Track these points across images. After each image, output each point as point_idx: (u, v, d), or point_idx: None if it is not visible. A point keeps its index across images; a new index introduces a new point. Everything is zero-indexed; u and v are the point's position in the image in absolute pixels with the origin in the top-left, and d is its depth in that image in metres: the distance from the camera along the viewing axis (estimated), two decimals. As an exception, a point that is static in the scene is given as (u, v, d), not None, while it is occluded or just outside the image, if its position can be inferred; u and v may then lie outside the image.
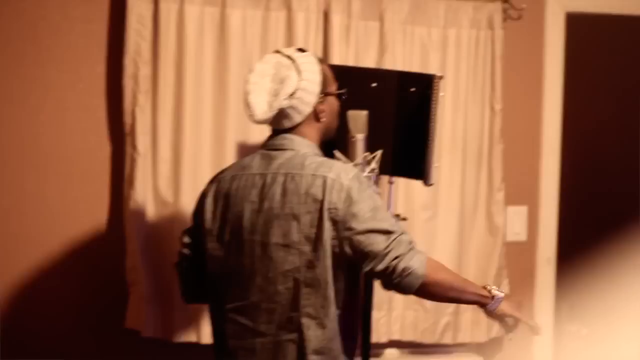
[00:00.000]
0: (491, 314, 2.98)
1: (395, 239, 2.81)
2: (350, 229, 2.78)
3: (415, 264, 2.80)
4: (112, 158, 3.89)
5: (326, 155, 3.02)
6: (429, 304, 4.17)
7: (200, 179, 3.78)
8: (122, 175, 3.84)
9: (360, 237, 2.79)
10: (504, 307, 2.96)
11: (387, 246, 2.79)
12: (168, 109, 3.82)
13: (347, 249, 2.80)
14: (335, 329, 2.86)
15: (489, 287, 2.97)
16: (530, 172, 4.51)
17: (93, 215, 3.87)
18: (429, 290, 2.86)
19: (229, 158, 3.86)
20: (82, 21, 3.82)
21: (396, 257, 2.79)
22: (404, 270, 2.79)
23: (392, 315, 4.17)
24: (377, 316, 4.10)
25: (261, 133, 3.84)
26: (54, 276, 3.85)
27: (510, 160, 4.37)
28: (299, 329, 2.84)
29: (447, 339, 4.24)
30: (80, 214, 3.86)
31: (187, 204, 3.78)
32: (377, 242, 2.79)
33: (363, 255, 2.80)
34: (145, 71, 3.78)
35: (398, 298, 4.10)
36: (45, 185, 3.81)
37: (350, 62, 3.99)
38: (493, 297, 2.95)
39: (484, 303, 2.95)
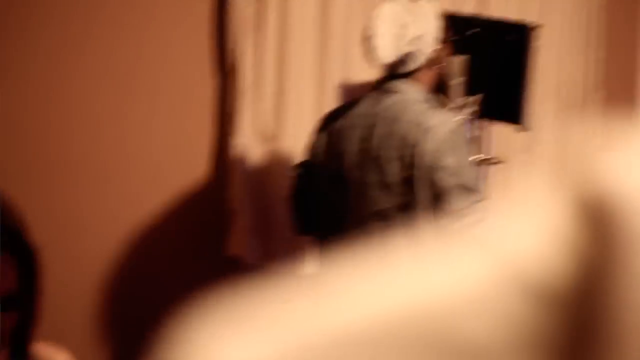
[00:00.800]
0: None
1: (475, 203, 2.88)
2: (435, 180, 2.86)
3: None
4: (217, 93, 3.99)
5: None
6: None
7: (301, 115, 3.88)
8: (227, 109, 3.96)
9: (443, 190, 2.86)
10: None
11: (465, 207, 2.86)
12: (272, 46, 3.91)
13: (428, 194, 2.88)
14: None
15: None
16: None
17: (199, 146, 4.00)
18: None
19: (330, 96, 3.94)
20: (191, -41, 3.92)
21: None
22: None
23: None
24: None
25: (362, 73, 3.94)
26: (159, 205, 3.99)
27: (607, 108, 4.38)
28: None
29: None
30: (186, 146, 3.99)
31: (288, 138, 3.90)
32: (457, 199, 2.85)
33: (439, 206, 2.88)
34: (250, 9, 3.87)
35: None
36: (153, 116, 3.94)
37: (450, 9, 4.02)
38: None
39: None
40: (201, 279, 4.00)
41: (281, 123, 3.95)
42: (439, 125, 2.89)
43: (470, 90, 3.28)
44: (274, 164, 3.93)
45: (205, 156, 4.02)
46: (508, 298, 0.44)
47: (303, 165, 3.30)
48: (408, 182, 2.88)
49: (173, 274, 4.03)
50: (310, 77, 3.95)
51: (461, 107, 3.25)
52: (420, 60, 3.00)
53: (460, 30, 3.40)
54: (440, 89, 3.22)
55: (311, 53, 3.95)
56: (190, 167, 4.01)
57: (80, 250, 3.91)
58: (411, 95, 3.00)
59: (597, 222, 0.44)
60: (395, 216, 2.90)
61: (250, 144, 3.93)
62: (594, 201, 0.45)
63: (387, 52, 2.96)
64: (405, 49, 2.95)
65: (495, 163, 3.57)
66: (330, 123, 3.15)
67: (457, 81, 3.23)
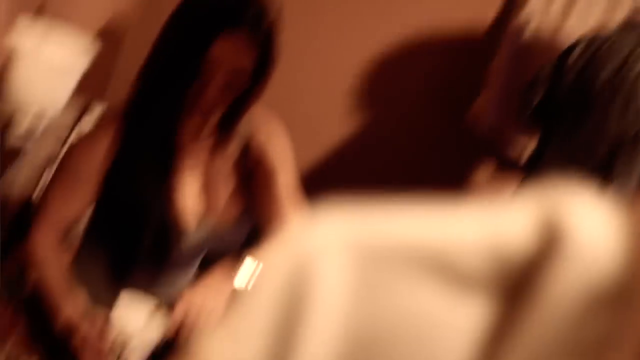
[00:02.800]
0: None
1: None
2: None
3: None
4: None
5: None
6: None
7: (589, 17, 3.84)
8: None
9: None
10: None
11: None
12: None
13: None
14: None
15: None
16: None
17: (481, 12, 4.01)
18: None
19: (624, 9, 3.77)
20: None
21: None
22: None
23: None
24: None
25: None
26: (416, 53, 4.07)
27: None
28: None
29: None
30: (468, 9, 4.02)
31: (570, 33, 3.79)
32: None
33: None
34: None
35: None
36: None
37: None
38: None
39: None
40: (437, 144, 4.15)
41: (567, 17, 3.90)
42: None
43: None
44: (545, 54, 3.83)
45: (485, 22, 4.03)
46: (485, 253, 0.64)
47: (548, 69, 3.33)
48: None
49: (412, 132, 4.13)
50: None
51: None
52: None
53: None
54: None
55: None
56: (465, 31, 4.03)
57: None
58: None
59: (545, 233, 0.64)
60: (628, 151, 3.00)
61: (532, 26, 3.91)
62: (550, 220, 0.65)
63: None
64: None
65: None
66: (589, 42, 3.16)
67: None
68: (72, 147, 2.50)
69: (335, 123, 4.13)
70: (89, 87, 3.23)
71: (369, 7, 4.02)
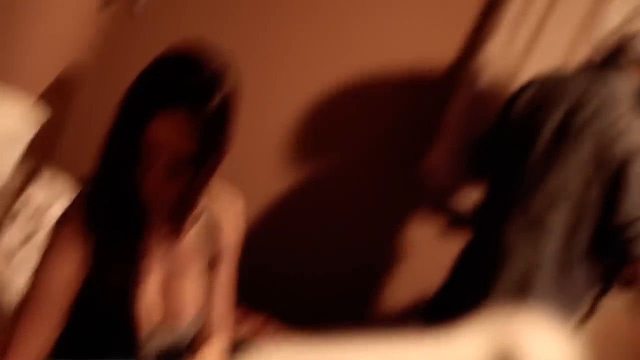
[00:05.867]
0: None
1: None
2: (617, 189, 2.84)
3: None
4: (475, 22, 3.96)
5: None
6: None
7: (547, 65, 3.81)
8: (480, 37, 3.93)
9: (621, 200, 2.85)
10: None
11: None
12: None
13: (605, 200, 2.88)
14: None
15: None
16: None
17: (439, 59, 3.98)
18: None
19: (582, 56, 3.77)
20: None
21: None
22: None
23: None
24: None
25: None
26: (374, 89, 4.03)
27: None
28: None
29: None
30: (428, 54, 3.98)
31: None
32: (630, 212, 2.84)
33: (612, 212, 2.87)
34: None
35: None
36: (406, 18, 3.95)
37: None
38: None
39: None
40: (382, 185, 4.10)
41: (525, 67, 3.87)
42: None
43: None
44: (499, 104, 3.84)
45: (442, 69, 3.99)
46: None
47: (500, 116, 3.33)
48: (597, 177, 2.89)
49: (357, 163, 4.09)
50: (570, 31, 3.83)
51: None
52: (630, 57, 2.97)
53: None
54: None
55: (581, 8, 3.80)
56: (423, 74, 3.99)
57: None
58: (618, 92, 2.97)
59: None
60: (577, 197, 2.94)
61: (489, 76, 3.90)
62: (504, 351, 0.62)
63: (601, 41, 2.98)
64: (617, 41, 2.95)
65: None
66: (542, 82, 3.17)
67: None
68: (39, 267, 2.14)
69: (274, 173, 4.09)
70: (37, 150, 3.15)
71: (318, 50, 4.00)
